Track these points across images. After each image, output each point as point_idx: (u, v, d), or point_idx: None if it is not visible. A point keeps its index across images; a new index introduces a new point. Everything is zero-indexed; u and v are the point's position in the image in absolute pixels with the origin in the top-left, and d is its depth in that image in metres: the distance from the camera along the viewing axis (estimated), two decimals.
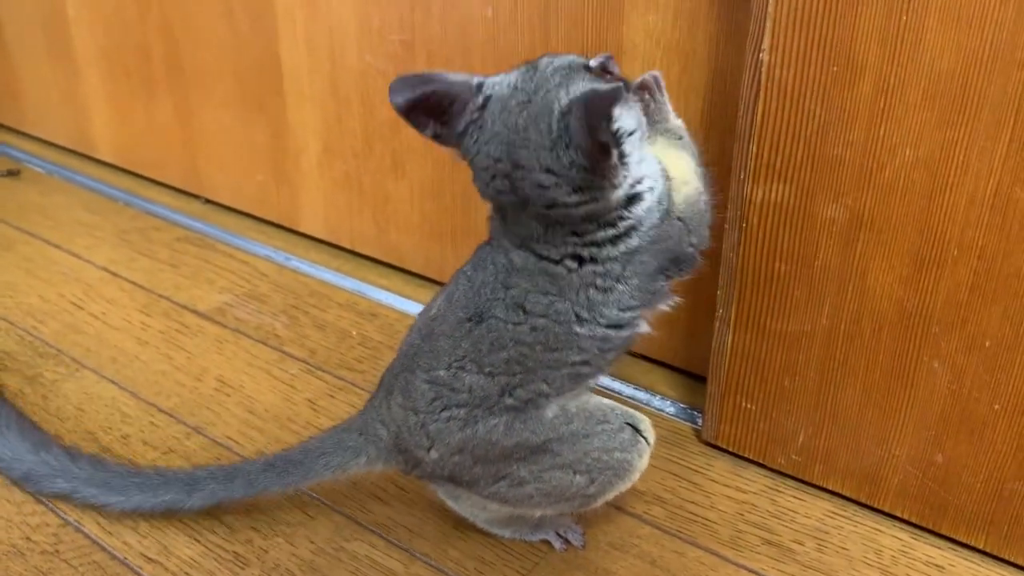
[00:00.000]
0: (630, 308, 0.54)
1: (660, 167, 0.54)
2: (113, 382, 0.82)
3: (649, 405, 0.80)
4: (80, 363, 0.85)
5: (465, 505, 0.62)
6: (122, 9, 1.12)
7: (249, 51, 1.00)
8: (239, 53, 1.01)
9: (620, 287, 0.53)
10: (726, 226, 0.65)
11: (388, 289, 0.98)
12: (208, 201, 1.17)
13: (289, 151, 1.03)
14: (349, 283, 0.99)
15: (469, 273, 0.58)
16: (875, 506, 0.68)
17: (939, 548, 0.65)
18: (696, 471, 0.72)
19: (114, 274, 1.01)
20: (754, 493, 0.70)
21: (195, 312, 0.93)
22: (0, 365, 0.84)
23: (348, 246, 1.04)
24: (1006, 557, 0.63)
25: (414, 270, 0.99)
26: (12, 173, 1.30)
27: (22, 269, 1.02)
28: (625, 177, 0.51)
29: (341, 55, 0.92)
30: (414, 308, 0.94)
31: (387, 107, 0.96)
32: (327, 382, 0.83)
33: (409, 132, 0.96)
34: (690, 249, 0.55)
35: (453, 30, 0.83)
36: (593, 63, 0.52)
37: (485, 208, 0.85)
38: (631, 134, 0.50)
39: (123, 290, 0.98)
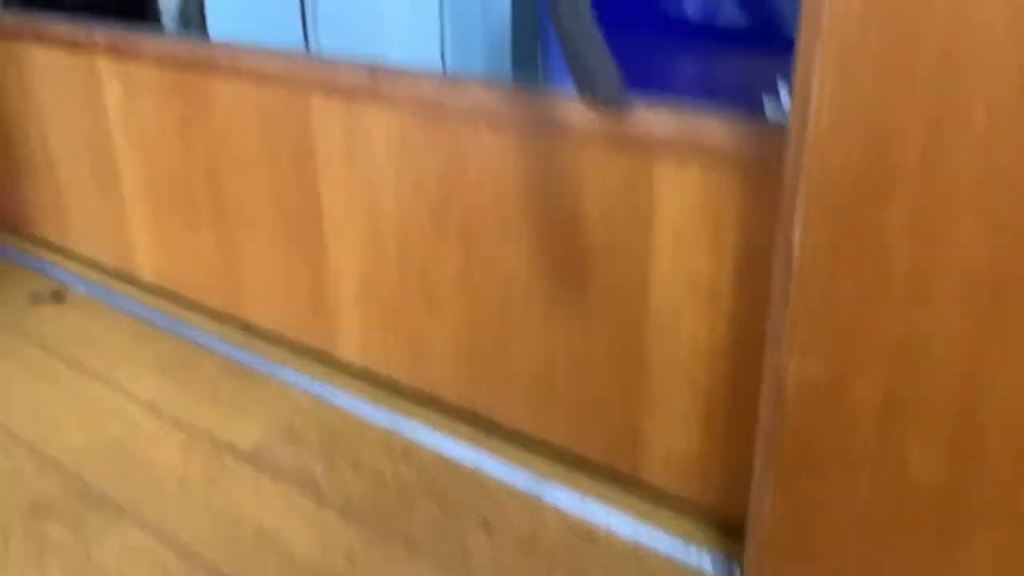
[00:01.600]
0: None
1: None
2: (155, 530, 0.83)
3: (686, 562, 0.79)
4: (123, 509, 0.86)
5: None
6: (168, 146, 1.16)
7: (290, 192, 1.03)
8: (280, 193, 1.04)
9: None
10: (763, 392, 0.66)
11: (424, 422, 0.99)
12: (248, 328, 1.20)
13: (328, 286, 1.05)
14: (384, 417, 1.00)
15: None
16: None
17: None
18: None
19: (155, 410, 1.02)
20: None
21: (234, 451, 0.95)
22: (45, 513, 0.86)
23: (384, 379, 1.05)
24: None
25: (449, 402, 1.00)
26: (57, 297, 1.33)
27: (66, 405, 1.04)
28: None
29: (380, 201, 0.95)
30: (447, 445, 0.95)
31: (423, 250, 0.98)
32: (362, 533, 0.83)
33: (442, 275, 0.98)
34: None
35: (487, 189, 0.85)
36: None
37: (520, 348, 0.86)
38: None
39: (164, 428, 0.99)
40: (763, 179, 0.67)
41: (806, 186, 0.58)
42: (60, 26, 1.25)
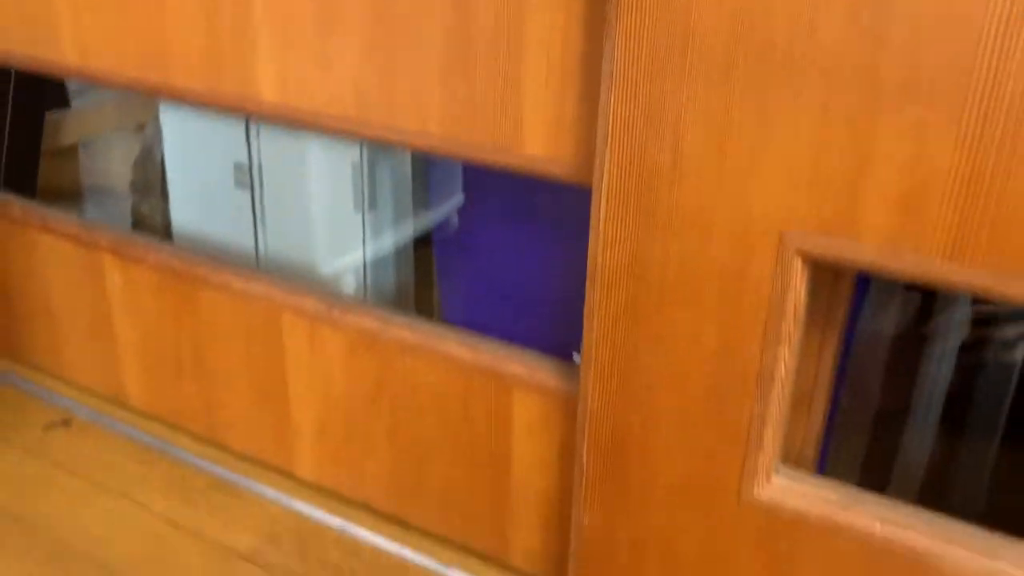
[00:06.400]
0: None
1: None
2: None
3: None
4: None
5: None
6: (161, 322, 1.56)
7: (262, 366, 1.46)
8: (254, 365, 1.47)
9: None
10: (572, 527, 1.14)
11: (363, 525, 1.44)
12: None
13: (290, 430, 1.49)
14: (336, 523, 1.45)
15: None
16: None
17: None
18: None
19: (174, 523, 1.45)
20: None
21: (237, 553, 1.38)
22: None
23: (333, 494, 1.49)
24: None
25: (381, 510, 1.45)
26: (65, 423, 1.72)
27: (105, 522, 1.46)
28: None
29: (332, 381, 1.39)
30: (380, 541, 1.41)
31: (362, 415, 1.43)
32: None
33: (375, 431, 1.44)
34: None
35: (408, 385, 1.31)
36: None
37: (429, 479, 1.33)
38: None
39: (182, 538, 1.43)
40: (573, 404, 1.15)
41: (584, 431, 1.06)
42: (65, 222, 1.64)
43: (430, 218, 1.94)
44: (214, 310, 1.49)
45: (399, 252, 1.86)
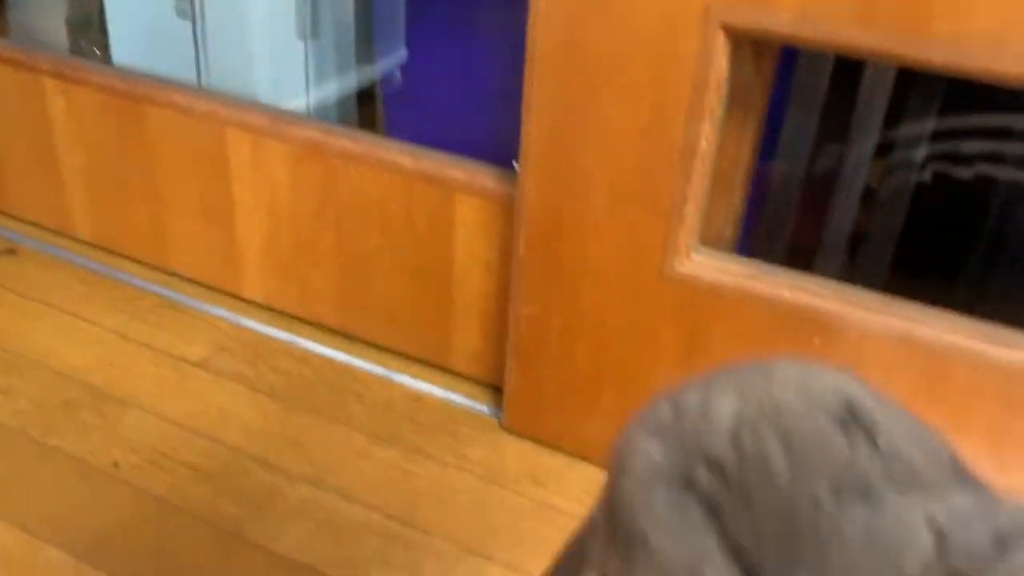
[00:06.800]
0: None
1: None
2: (153, 411, 1.33)
3: (473, 408, 1.35)
4: (127, 401, 1.35)
5: None
6: (107, 145, 1.57)
7: (209, 185, 1.49)
8: (201, 186, 1.50)
9: None
10: (510, 321, 1.21)
11: (311, 338, 1.50)
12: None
13: (237, 248, 1.53)
14: (285, 336, 1.51)
15: None
16: None
17: None
18: None
19: (123, 336, 1.49)
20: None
21: (187, 362, 1.43)
22: (76, 406, 1.32)
23: (280, 311, 1.55)
24: None
25: (328, 324, 1.52)
26: (11, 252, 1.73)
27: (56, 336, 1.50)
28: None
29: (277, 197, 1.43)
30: (329, 352, 1.47)
31: (308, 229, 1.47)
32: (285, 408, 1.36)
33: (321, 245, 1.48)
34: None
35: (353, 194, 1.35)
36: None
37: (375, 291, 1.39)
38: None
39: (134, 348, 1.47)
40: (511, 207, 1.21)
41: (522, 222, 1.12)
42: (2, 47, 1.62)
43: (374, 71, 1.96)
44: (159, 129, 1.50)
45: (343, 102, 1.88)
